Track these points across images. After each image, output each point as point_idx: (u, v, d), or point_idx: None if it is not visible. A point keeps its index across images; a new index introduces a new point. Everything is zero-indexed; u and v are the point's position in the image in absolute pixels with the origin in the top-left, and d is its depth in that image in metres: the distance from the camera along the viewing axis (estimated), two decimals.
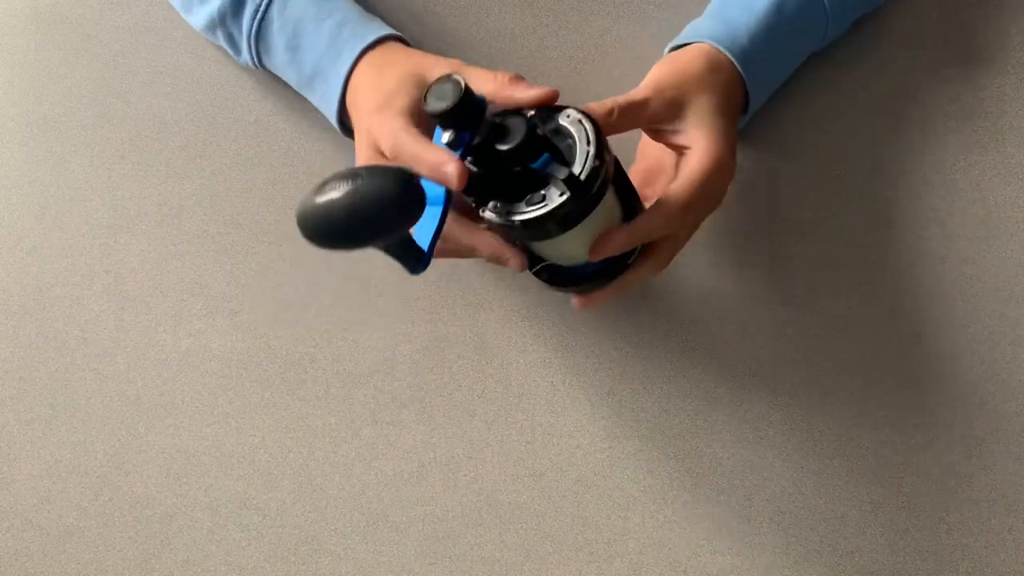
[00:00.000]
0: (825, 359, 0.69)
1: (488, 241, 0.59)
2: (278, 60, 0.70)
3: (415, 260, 0.54)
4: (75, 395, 0.70)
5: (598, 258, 0.57)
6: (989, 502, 0.67)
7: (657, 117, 0.61)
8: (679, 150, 0.62)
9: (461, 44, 0.77)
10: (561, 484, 0.68)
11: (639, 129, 0.62)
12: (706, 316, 0.70)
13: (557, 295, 0.70)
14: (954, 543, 0.66)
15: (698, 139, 0.60)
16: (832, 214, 0.72)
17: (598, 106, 0.58)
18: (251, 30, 0.69)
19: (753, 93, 0.67)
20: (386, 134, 0.58)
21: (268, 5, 0.68)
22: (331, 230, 0.49)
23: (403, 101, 0.60)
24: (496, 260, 0.60)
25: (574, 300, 0.64)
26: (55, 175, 0.75)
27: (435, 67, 0.62)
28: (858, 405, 0.68)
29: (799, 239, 0.72)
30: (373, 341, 0.71)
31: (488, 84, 0.58)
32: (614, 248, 0.57)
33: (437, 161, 0.53)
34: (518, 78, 0.59)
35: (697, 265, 0.71)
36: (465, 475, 0.68)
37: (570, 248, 0.58)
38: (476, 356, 0.70)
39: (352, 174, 0.49)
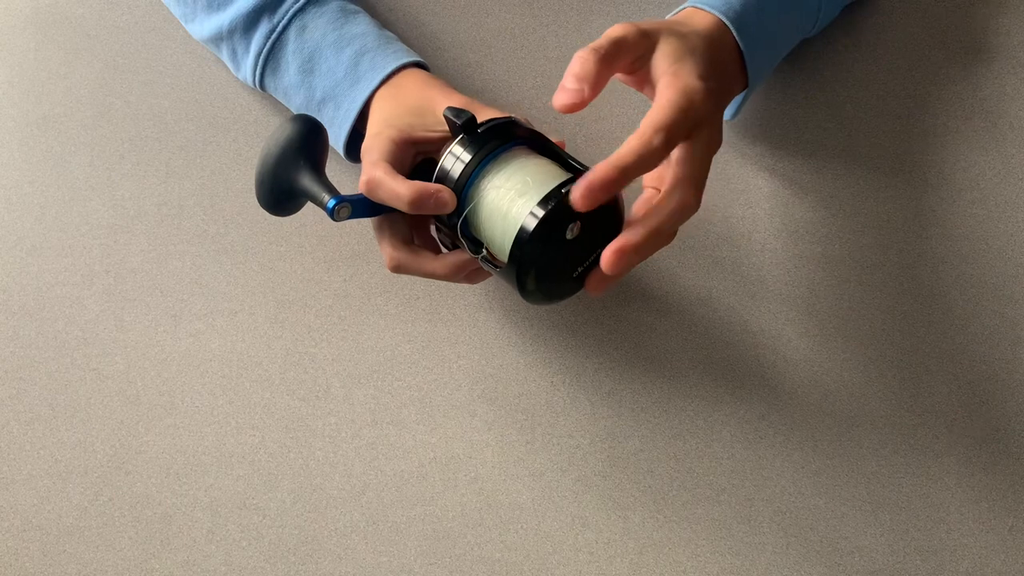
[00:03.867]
0: (825, 359, 0.69)
1: (444, 264, 0.62)
2: (286, 81, 0.70)
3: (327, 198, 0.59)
4: (75, 395, 0.70)
5: (584, 206, 0.53)
6: (989, 502, 0.67)
7: (632, 47, 0.58)
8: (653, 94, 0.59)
9: (461, 44, 0.77)
10: (561, 484, 0.68)
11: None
12: (706, 316, 0.70)
13: None
14: (954, 543, 0.66)
15: (664, 71, 0.58)
16: (831, 214, 0.72)
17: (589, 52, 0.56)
18: (263, 48, 0.69)
19: (749, 55, 0.64)
20: (365, 165, 0.60)
21: (286, 26, 0.69)
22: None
23: (392, 132, 0.62)
24: (457, 276, 0.63)
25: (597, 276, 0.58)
26: (55, 175, 0.75)
27: (444, 103, 0.63)
28: (858, 405, 0.68)
29: (799, 239, 0.72)
30: (373, 341, 0.71)
31: None
32: (602, 182, 0.53)
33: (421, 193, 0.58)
34: (527, 122, 0.61)
35: (697, 265, 0.71)
36: (465, 475, 0.68)
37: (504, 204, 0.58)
38: (476, 356, 0.70)
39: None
